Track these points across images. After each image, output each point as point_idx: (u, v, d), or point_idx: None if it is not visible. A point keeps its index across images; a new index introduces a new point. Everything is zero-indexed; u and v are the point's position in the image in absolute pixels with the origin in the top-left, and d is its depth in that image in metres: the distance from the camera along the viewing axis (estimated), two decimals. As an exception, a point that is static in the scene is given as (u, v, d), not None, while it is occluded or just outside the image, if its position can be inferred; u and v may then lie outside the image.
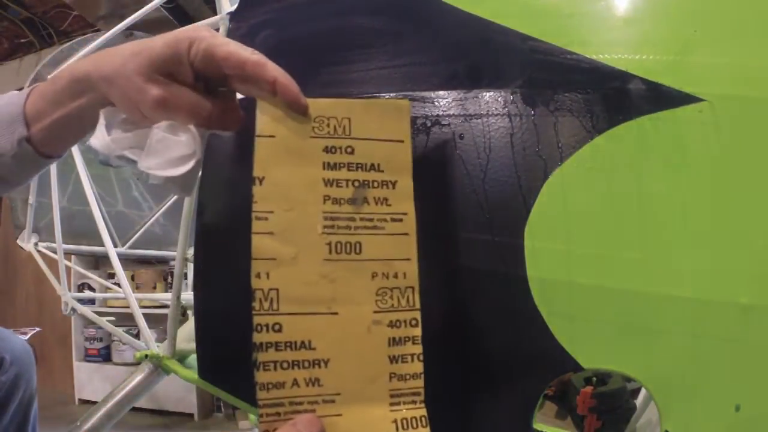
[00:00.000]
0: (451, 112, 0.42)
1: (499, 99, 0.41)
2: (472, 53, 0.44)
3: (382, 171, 0.35)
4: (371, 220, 0.34)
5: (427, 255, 0.40)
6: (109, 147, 0.36)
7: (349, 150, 0.35)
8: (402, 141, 0.36)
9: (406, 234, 0.34)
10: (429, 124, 0.42)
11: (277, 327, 0.32)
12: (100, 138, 0.37)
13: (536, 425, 0.39)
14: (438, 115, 0.42)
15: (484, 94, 0.42)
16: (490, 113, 0.41)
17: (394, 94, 0.43)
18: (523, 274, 0.38)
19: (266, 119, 0.34)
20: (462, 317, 0.40)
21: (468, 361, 0.40)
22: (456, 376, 0.41)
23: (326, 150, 0.34)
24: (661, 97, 0.38)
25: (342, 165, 0.34)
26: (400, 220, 0.34)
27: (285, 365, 0.31)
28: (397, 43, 0.45)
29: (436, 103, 0.42)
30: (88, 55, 0.39)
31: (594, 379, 1.14)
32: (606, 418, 1.08)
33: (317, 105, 0.35)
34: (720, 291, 0.35)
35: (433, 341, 0.41)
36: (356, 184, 0.34)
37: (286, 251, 0.32)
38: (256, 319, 0.31)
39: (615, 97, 0.39)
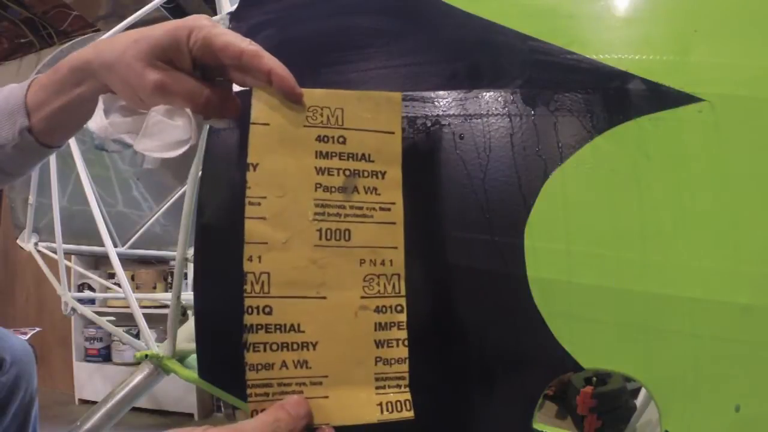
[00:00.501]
0: (451, 112, 0.42)
1: (499, 99, 0.41)
2: (472, 53, 0.44)
3: (373, 161, 0.36)
4: (360, 208, 0.35)
5: (427, 255, 0.40)
6: (106, 130, 0.37)
7: (341, 140, 0.35)
8: (393, 133, 0.36)
9: (393, 223, 0.35)
10: (429, 124, 0.42)
11: (267, 309, 0.32)
12: (97, 121, 0.37)
13: (536, 425, 0.38)
14: (438, 115, 0.42)
15: (484, 94, 0.42)
16: (490, 113, 0.41)
17: (394, 94, 0.43)
18: (523, 274, 0.38)
19: (261, 107, 0.35)
20: (462, 317, 0.40)
21: (468, 361, 0.40)
22: (456, 375, 0.41)
23: (319, 139, 0.35)
24: (661, 97, 0.38)
25: (334, 154, 0.35)
26: (389, 209, 0.35)
27: (274, 347, 0.32)
28: (397, 43, 0.45)
29: (436, 103, 0.42)
30: (89, 44, 0.40)
31: (594, 379, 1.13)
32: (606, 418, 1.08)
33: (312, 95, 0.36)
34: (720, 291, 0.35)
35: (433, 341, 0.41)
36: (347, 173, 0.35)
37: (277, 236, 0.33)
38: (247, 301, 0.32)
39: (615, 97, 0.39)
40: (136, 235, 1.67)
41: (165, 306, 2.04)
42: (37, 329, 2.17)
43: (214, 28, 0.36)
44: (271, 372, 0.32)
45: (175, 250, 0.69)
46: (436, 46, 0.45)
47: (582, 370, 0.38)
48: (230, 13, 0.55)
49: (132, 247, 1.67)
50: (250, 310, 0.32)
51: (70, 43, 1.41)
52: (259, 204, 0.33)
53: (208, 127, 0.44)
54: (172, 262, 2.21)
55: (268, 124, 0.35)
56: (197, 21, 0.36)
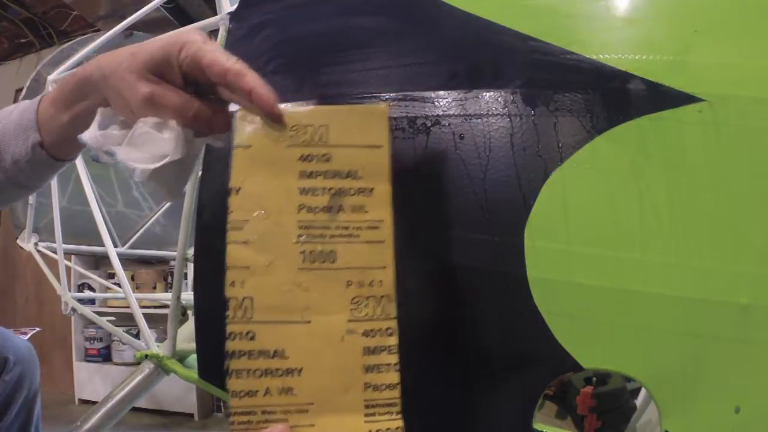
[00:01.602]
0: (451, 112, 0.42)
1: (499, 99, 0.41)
2: (472, 53, 0.44)
3: (360, 178, 0.35)
4: (347, 228, 0.34)
5: (427, 255, 0.40)
6: (98, 141, 0.37)
7: (325, 158, 0.35)
8: (380, 146, 0.35)
9: (382, 241, 0.34)
10: (429, 124, 0.42)
11: (250, 335, 0.32)
12: (91, 132, 0.37)
13: (536, 425, 0.38)
14: (438, 115, 0.42)
15: (484, 94, 0.42)
16: (490, 113, 0.41)
17: (394, 95, 0.44)
18: (523, 273, 0.38)
19: (244, 129, 0.35)
20: (462, 317, 0.40)
21: (468, 361, 0.40)
22: (456, 375, 0.41)
23: (303, 158, 0.34)
24: (661, 97, 0.38)
25: (318, 173, 0.34)
26: (377, 227, 0.34)
27: (258, 373, 0.31)
28: (397, 43, 0.45)
29: (436, 103, 0.42)
30: (94, 57, 0.40)
31: (594, 379, 1.13)
32: (606, 418, 1.08)
33: (295, 113, 0.35)
34: (720, 291, 0.35)
35: (433, 341, 0.41)
36: (332, 192, 0.34)
37: (260, 260, 0.33)
38: (230, 328, 0.32)
39: (615, 97, 0.39)
40: (136, 235, 1.67)
41: (165, 306, 2.04)
42: (37, 329, 2.16)
43: (205, 44, 0.36)
44: (254, 399, 0.31)
45: (175, 250, 0.69)
46: (436, 46, 0.45)
47: (582, 370, 0.38)
48: (230, 13, 0.55)
49: (132, 247, 1.67)
50: (232, 336, 0.31)
51: (70, 43, 1.41)
52: (242, 228, 0.33)
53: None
54: (172, 262, 2.21)
55: (250, 146, 0.34)
56: (189, 36, 0.36)
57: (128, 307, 0.83)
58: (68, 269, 1.35)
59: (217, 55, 0.35)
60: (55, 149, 0.45)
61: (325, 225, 0.34)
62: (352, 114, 0.36)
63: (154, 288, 2.47)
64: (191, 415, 2.36)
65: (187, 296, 0.85)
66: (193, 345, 0.50)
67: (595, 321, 0.37)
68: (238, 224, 0.33)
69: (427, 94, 0.43)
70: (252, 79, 0.35)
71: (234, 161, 0.34)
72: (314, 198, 0.34)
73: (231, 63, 0.35)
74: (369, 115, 0.36)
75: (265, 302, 0.32)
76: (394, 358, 0.33)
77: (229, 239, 0.33)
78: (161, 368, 0.71)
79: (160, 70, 0.36)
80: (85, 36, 1.69)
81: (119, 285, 0.97)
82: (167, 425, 2.28)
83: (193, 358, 0.70)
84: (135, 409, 1.00)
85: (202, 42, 0.36)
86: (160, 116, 0.36)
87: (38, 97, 0.45)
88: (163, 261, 2.37)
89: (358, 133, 0.35)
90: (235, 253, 0.33)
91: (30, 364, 0.86)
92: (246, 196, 0.33)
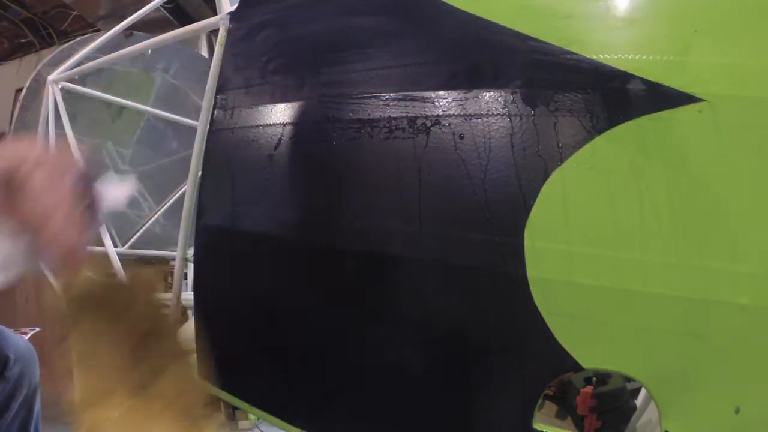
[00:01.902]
0: (451, 112, 0.42)
1: (499, 99, 0.41)
2: (472, 53, 0.44)
3: (160, 337, 0.40)
4: (157, 392, 0.40)
5: (427, 254, 0.40)
6: None
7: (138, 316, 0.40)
8: (168, 306, 0.40)
9: (193, 378, 0.40)
10: (429, 124, 0.42)
11: None
12: None
13: (536, 425, 0.38)
14: (438, 115, 0.42)
15: (484, 94, 0.42)
16: (490, 113, 0.41)
17: (394, 95, 0.44)
18: (523, 273, 0.38)
19: (67, 275, 0.41)
20: (462, 316, 0.40)
21: (468, 361, 0.40)
22: (456, 375, 0.41)
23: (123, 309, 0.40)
24: (661, 97, 0.38)
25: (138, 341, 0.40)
26: (184, 373, 0.40)
27: None
28: (397, 43, 0.45)
29: (436, 103, 0.42)
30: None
31: (594, 379, 1.13)
32: (606, 418, 1.08)
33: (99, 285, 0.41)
34: (720, 291, 0.35)
35: (433, 341, 0.41)
36: (152, 360, 0.40)
37: (100, 397, 0.40)
38: None
39: (615, 97, 0.39)
40: (136, 235, 1.67)
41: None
42: (37, 329, 2.17)
43: (37, 170, 0.35)
44: None
45: (175, 250, 0.69)
46: (436, 46, 0.45)
47: (582, 370, 0.38)
48: (230, 13, 0.55)
49: (132, 247, 1.67)
50: None
51: (70, 43, 1.41)
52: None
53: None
54: (172, 262, 2.20)
55: (75, 292, 0.40)
56: (27, 160, 0.35)
57: (128, 307, 0.83)
58: (68, 269, 1.35)
59: (36, 194, 0.34)
60: None
61: (145, 379, 0.40)
62: (140, 280, 0.41)
63: (154, 288, 2.47)
64: (191, 415, 2.36)
65: (187, 296, 0.85)
66: (192, 345, 0.50)
67: (595, 321, 0.37)
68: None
69: (427, 94, 0.43)
70: (47, 236, 0.34)
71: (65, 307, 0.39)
72: (135, 368, 0.40)
73: (32, 214, 0.34)
74: (152, 278, 0.41)
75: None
76: None
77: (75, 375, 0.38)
78: (161, 368, 0.71)
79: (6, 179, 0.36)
80: (85, 36, 1.69)
81: (119, 285, 0.97)
82: (167, 425, 2.28)
83: (193, 358, 0.70)
84: (135, 409, 1.00)
85: (31, 167, 0.35)
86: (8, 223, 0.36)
87: None
88: (163, 261, 2.37)
89: (149, 296, 0.40)
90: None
91: (30, 361, 0.87)
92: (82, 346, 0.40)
